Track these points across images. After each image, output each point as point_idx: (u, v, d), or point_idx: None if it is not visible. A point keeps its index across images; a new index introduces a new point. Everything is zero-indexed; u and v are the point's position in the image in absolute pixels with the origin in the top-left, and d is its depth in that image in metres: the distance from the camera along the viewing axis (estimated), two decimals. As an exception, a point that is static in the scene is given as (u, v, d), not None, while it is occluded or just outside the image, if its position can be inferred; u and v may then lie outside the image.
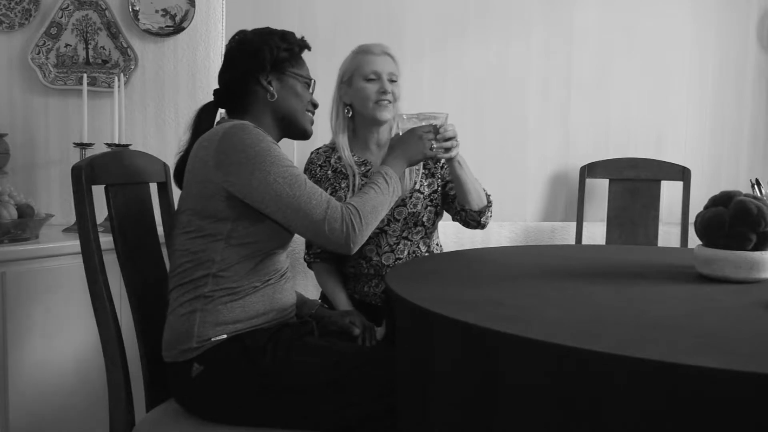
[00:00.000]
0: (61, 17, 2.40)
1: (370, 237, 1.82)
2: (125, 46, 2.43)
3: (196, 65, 2.50)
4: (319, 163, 1.91)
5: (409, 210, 1.87)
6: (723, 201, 1.38)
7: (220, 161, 1.34)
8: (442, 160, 1.85)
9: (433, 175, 1.92)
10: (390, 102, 1.85)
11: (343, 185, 1.87)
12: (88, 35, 2.43)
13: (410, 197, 1.87)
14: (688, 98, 2.96)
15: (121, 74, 2.38)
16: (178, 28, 2.47)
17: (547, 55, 2.86)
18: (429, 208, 1.89)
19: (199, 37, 2.50)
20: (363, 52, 1.88)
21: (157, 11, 2.46)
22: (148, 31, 2.45)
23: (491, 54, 2.83)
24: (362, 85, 1.85)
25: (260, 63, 1.48)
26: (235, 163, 1.33)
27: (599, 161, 2.84)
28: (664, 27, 2.91)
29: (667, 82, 2.93)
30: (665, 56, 2.92)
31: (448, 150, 1.60)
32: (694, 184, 2.80)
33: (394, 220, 1.87)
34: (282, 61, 1.50)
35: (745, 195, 1.37)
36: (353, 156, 1.90)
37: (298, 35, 1.55)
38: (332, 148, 1.93)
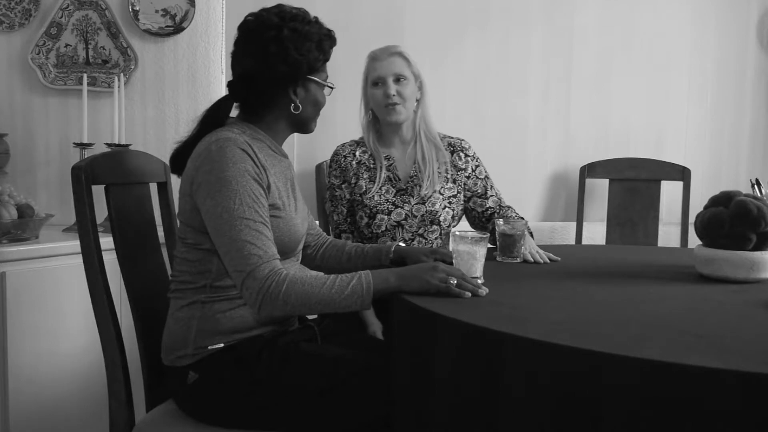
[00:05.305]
0: (61, 17, 2.39)
1: (386, 229, 1.91)
2: (125, 46, 2.43)
3: (196, 65, 2.50)
4: (344, 154, 1.99)
5: (428, 208, 1.92)
6: (723, 201, 1.38)
7: (194, 177, 1.32)
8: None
9: (454, 181, 1.98)
10: (398, 103, 1.90)
11: (365, 176, 1.94)
12: (88, 35, 2.43)
13: (429, 197, 1.92)
14: (688, 98, 2.95)
15: (121, 74, 2.38)
16: (178, 28, 2.47)
17: (547, 55, 2.86)
18: (446, 209, 1.95)
19: (199, 37, 2.50)
20: (371, 58, 1.95)
21: (157, 11, 2.46)
22: (148, 31, 2.45)
23: (491, 54, 2.83)
24: (372, 92, 1.93)
25: (294, 75, 1.39)
26: (202, 183, 1.30)
27: (599, 161, 2.84)
28: (664, 27, 2.90)
29: (667, 82, 2.93)
30: (665, 56, 2.91)
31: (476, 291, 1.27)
32: (694, 184, 2.80)
33: (412, 216, 1.92)
34: (313, 71, 1.42)
35: (745, 195, 1.37)
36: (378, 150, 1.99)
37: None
38: (357, 143, 2.01)
